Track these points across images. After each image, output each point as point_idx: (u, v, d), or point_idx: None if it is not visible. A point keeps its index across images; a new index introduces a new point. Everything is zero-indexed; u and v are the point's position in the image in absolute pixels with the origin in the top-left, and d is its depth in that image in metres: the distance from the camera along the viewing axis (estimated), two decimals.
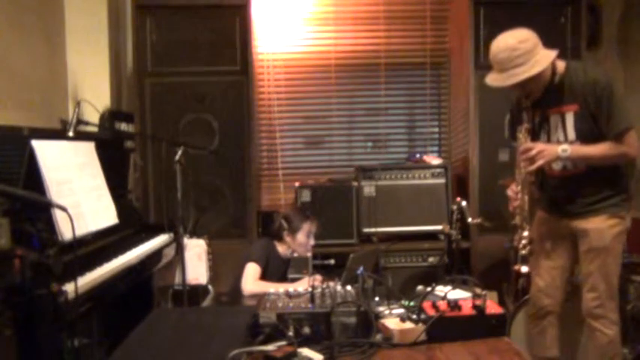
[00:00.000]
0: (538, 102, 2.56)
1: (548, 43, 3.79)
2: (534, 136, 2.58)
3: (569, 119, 2.49)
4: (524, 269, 2.56)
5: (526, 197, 2.57)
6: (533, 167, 2.46)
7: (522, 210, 2.58)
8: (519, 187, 2.59)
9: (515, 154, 2.63)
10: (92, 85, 3.70)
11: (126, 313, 2.73)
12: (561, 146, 2.44)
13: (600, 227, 2.51)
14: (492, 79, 2.50)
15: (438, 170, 4.02)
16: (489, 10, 3.87)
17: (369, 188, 3.99)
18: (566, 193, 2.59)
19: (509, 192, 2.65)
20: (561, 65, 2.51)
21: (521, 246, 2.57)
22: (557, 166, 2.55)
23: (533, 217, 2.66)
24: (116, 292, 2.53)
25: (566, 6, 3.88)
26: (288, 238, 3.27)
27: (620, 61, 4.35)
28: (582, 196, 2.55)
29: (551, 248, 2.69)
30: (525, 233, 2.56)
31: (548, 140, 2.57)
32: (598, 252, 2.52)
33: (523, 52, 2.39)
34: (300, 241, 3.24)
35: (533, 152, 2.44)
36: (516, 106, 2.69)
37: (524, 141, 2.53)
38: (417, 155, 4.27)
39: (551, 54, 2.45)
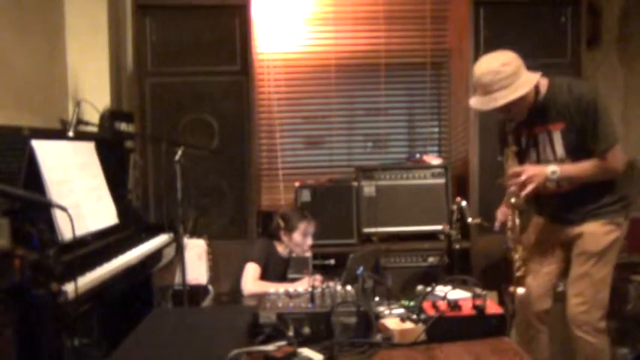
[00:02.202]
0: (524, 122, 2.54)
1: (548, 43, 3.85)
2: (523, 156, 2.57)
3: (557, 137, 2.48)
4: (520, 291, 2.53)
5: (517, 220, 2.55)
6: (524, 193, 2.44)
7: (514, 232, 2.56)
8: (509, 210, 2.58)
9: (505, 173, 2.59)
10: (92, 85, 3.71)
11: (126, 313, 2.73)
12: (550, 168, 2.42)
13: (596, 232, 2.49)
14: (475, 102, 2.50)
15: (438, 170, 4.02)
16: (489, 10, 3.86)
17: (368, 188, 3.99)
18: (565, 205, 2.57)
19: (499, 214, 2.65)
20: (544, 84, 2.49)
21: (515, 268, 2.53)
22: (551, 185, 2.52)
23: (524, 231, 2.65)
24: (116, 292, 2.53)
25: (566, 6, 3.86)
26: (284, 237, 3.27)
27: (619, 61, 4.36)
28: (582, 204, 2.53)
29: (545, 254, 2.67)
30: (517, 256, 2.52)
31: (538, 159, 2.56)
32: (590, 256, 2.50)
33: (506, 76, 2.37)
34: (297, 240, 3.24)
35: (523, 178, 2.42)
36: (502, 127, 2.67)
37: (511, 164, 2.52)
38: (417, 155, 4.26)
39: (533, 77, 2.43)
